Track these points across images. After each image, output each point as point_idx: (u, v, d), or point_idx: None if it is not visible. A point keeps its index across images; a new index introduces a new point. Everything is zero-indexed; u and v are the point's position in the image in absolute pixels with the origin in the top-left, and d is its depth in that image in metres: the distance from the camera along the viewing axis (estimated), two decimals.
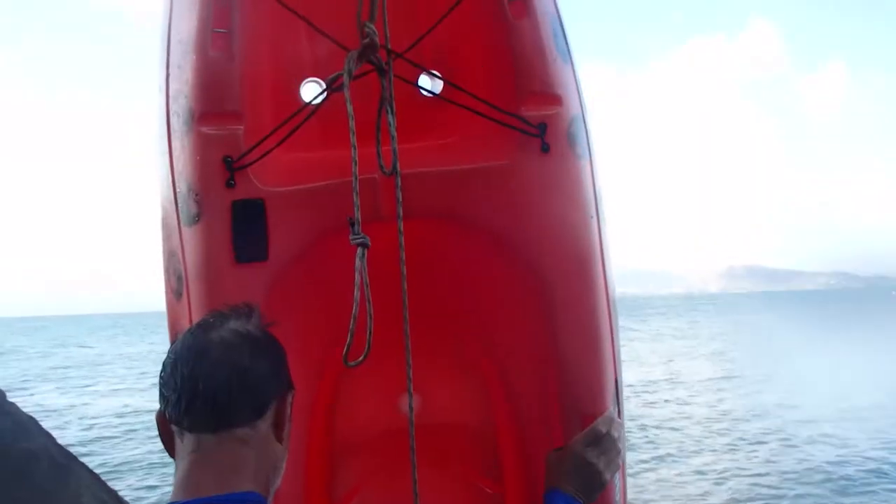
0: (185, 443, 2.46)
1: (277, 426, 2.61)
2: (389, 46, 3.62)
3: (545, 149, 4.15)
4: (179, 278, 4.12)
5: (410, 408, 3.60)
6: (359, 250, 3.30)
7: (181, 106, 4.02)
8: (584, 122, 4.47)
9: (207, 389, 2.43)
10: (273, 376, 2.63)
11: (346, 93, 3.29)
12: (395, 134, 3.51)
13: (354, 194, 3.27)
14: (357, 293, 3.22)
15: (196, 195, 3.99)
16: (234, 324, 2.61)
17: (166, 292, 4.33)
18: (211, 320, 2.62)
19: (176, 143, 4.06)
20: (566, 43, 4.50)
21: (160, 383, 2.54)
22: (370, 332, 3.25)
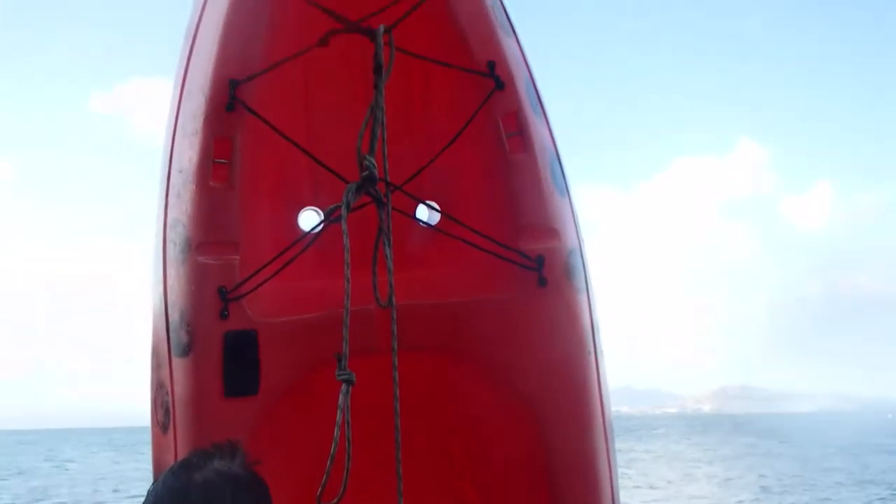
0: None
1: None
2: (388, 179, 3.66)
3: (543, 283, 4.17)
4: (167, 411, 4.05)
5: None
6: (343, 387, 3.25)
7: (178, 234, 4.04)
8: (582, 254, 4.49)
9: None
10: None
11: (344, 225, 3.31)
12: (391, 267, 3.51)
13: (344, 328, 3.26)
14: (337, 432, 3.16)
15: (188, 325, 3.96)
16: (217, 464, 2.52)
17: (152, 425, 4.25)
18: (194, 460, 2.54)
19: (171, 272, 4.05)
20: (563, 177, 4.57)
21: None
22: (347, 472, 3.17)
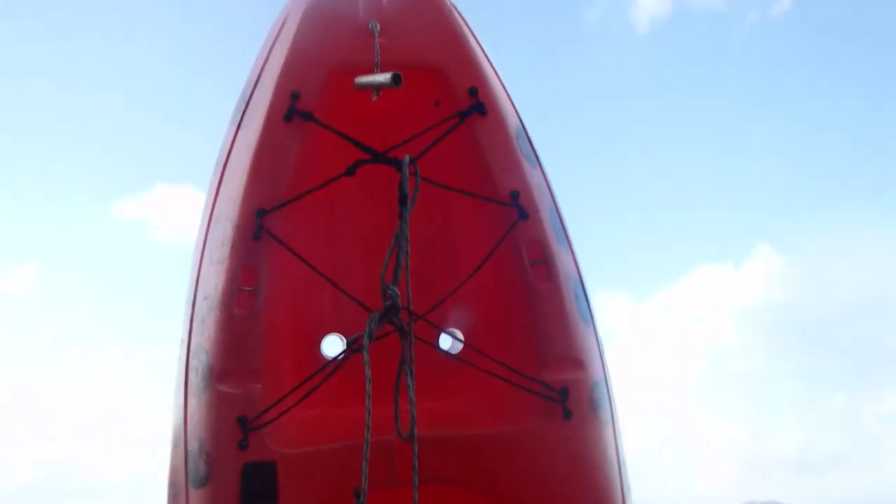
0: None
1: None
2: (411, 308, 3.67)
3: (567, 415, 4.11)
4: None
5: None
6: None
7: (201, 362, 4.05)
8: (607, 385, 4.45)
9: None
10: None
11: (366, 356, 3.32)
12: (413, 398, 3.51)
13: (364, 463, 3.23)
14: None
15: (207, 456, 3.92)
16: None
17: None
18: None
19: (192, 400, 4.05)
20: (588, 305, 4.56)
21: None
22: None
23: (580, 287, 4.56)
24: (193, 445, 3.96)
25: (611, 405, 4.38)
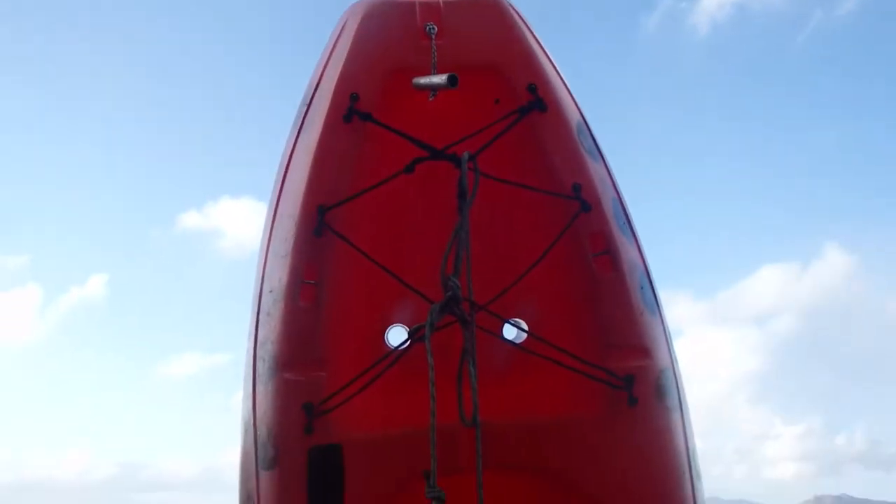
0: None
1: None
2: (473, 299, 3.77)
3: (633, 402, 4.17)
4: None
5: None
6: None
7: (267, 352, 4.25)
8: (675, 373, 4.49)
9: None
10: None
11: (428, 345, 3.45)
12: (475, 387, 3.63)
13: (432, 447, 3.34)
14: None
15: (275, 440, 4.12)
16: None
17: None
18: None
19: (260, 388, 4.25)
20: (654, 295, 4.61)
21: None
22: None
23: (646, 277, 4.60)
24: (262, 430, 4.17)
25: (679, 393, 4.41)
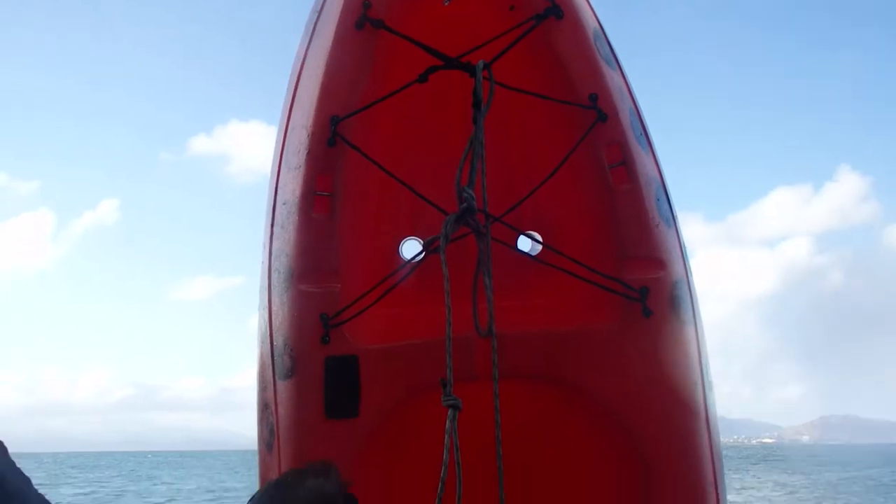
0: None
1: None
2: (487, 210, 3.76)
3: (647, 313, 4.20)
4: (271, 431, 4.26)
5: None
6: (450, 412, 3.38)
7: (282, 264, 4.29)
8: (689, 285, 4.50)
9: None
10: None
11: (443, 256, 3.46)
12: (491, 297, 3.64)
13: (448, 356, 3.38)
14: (446, 455, 3.25)
15: (291, 350, 4.18)
16: (311, 483, 2.63)
17: (258, 443, 4.48)
18: (289, 479, 2.67)
19: (276, 299, 4.29)
20: (670, 207, 4.59)
21: None
22: (460, 497, 3.25)
23: (661, 189, 4.58)
24: (279, 341, 4.22)
25: (693, 305, 4.44)
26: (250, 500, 2.65)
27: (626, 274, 4.30)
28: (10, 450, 2.38)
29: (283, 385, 4.25)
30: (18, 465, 2.36)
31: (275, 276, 4.35)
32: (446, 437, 3.38)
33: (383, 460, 4.22)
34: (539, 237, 4.78)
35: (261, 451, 4.46)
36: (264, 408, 4.42)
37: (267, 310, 4.37)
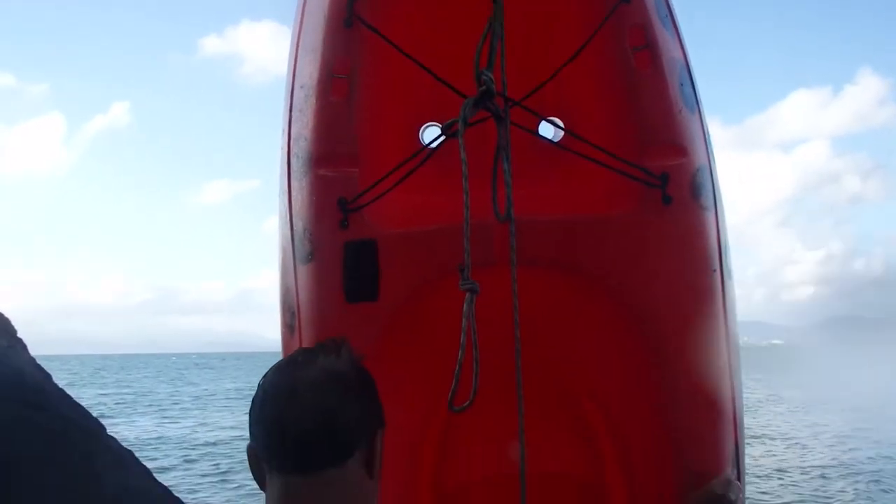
0: (273, 481, 2.53)
1: (368, 463, 2.60)
2: (507, 94, 3.71)
3: (667, 200, 4.18)
4: (293, 314, 4.34)
5: (522, 457, 3.62)
6: (467, 296, 3.42)
7: (301, 148, 4.28)
8: (711, 172, 4.46)
9: (295, 434, 2.47)
10: (363, 417, 2.62)
11: (461, 139, 3.44)
12: (510, 181, 3.63)
13: (465, 240, 3.40)
14: (463, 338, 3.31)
15: (310, 234, 4.22)
16: (323, 361, 2.60)
17: (281, 326, 4.56)
18: (300, 358, 2.64)
19: (295, 184, 4.31)
20: (694, 92, 4.53)
21: (250, 420, 2.49)
22: (476, 378, 3.33)
23: (686, 73, 4.50)
24: (298, 225, 4.26)
25: (714, 192, 4.40)
26: (262, 379, 2.63)
27: (646, 160, 4.27)
28: (33, 351, 2.39)
29: (303, 269, 4.31)
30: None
31: (294, 160, 4.36)
32: (463, 320, 3.42)
33: (403, 343, 4.30)
34: (560, 122, 4.74)
35: (283, 334, 4.55)
36: (286, 292, 4.49)
37: (287, 195, 4.40)
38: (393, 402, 3.31)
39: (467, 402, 3.38)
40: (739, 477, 4.08)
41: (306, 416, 2.45)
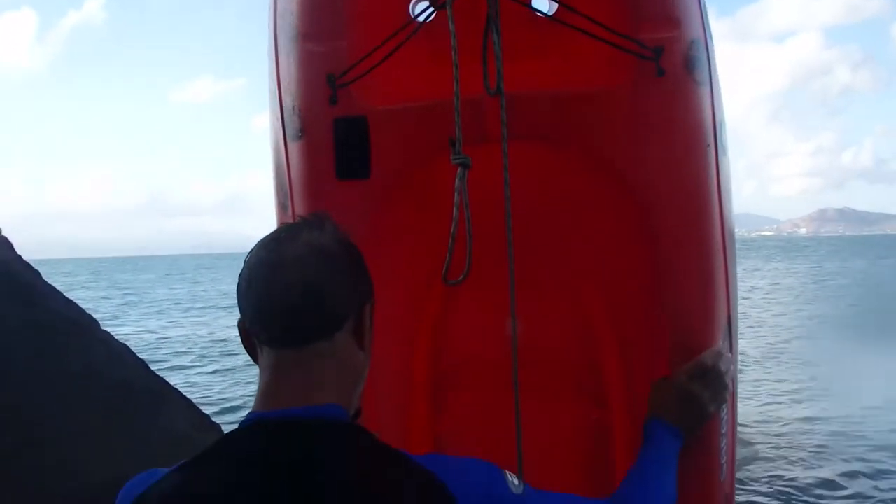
0: (264, 355, 2.62)
1: (358, 335, 2.66)
2: None
3: (660, 73, 4.12)
4: (285, 192, 4.35)
5: (514, 334, 3.67)
6: (459, 170, 3.42)
7: (287, 23, 4.23)
8: (707, 46, 4.40)
9: (282, 307, 2.53)
10: (349, 289, 2.68)
11: (449, 10, 3.39)
12: (499, 53, 3.59)
13: (456, 113, 3.38)
14: (456, 212, 3.33)
15: (300, 111, 4.19)
16: (307, 235, 2.64)
17: (275, 205, 4.55)
18: (283, 234, 2.66)
19: (283, 60, 4.26)
20: None
21: (237, 296, 2.53)
22: (470, 250, 3.38)
23: None
24: (287, 102, 4.23)
25: (709, 66, 4.34)
26: (247, 255, 2.64)
27: (641, 33, 4.19)
28: (22, 254, 2.36)
29: (294, 146, 4.29)
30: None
31: (281, 36, 4.28)
32: (456, 194, 3.44)
33: (396, 220, 4.32)
34: None
35: (277, 212, 4.56)
36: (278, 169, 4.48)
37: (275, 71, 4.33)
38: (388, 279, 3.35)
39: (461, 276, 3.43)
40: (732, 349, 4.17)
41: (292, 290, 2.49)
